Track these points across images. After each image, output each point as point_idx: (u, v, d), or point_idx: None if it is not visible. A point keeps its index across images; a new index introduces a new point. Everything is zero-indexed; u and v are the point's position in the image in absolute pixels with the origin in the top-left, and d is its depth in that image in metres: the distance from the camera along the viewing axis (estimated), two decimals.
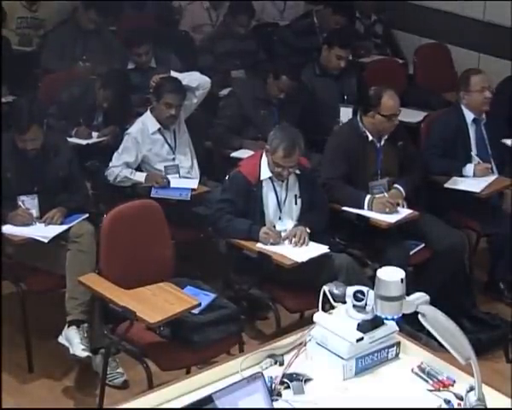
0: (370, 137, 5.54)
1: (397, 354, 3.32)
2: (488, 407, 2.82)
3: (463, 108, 5.93)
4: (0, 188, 5.01)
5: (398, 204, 5.42)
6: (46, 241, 4.89)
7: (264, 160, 5.08)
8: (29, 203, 5.11)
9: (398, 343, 3.32)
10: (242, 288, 5.10)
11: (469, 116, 5.93)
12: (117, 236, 4.53)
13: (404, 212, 5.41)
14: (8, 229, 4.97)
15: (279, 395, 3.04)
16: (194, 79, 6.09)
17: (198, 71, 6.29)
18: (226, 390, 2.71)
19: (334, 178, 5.42)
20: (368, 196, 5.39)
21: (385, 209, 5.34)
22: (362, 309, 3.21)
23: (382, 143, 5.57)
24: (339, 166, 5.47)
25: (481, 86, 5.86)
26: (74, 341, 4.71)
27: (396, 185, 5.52)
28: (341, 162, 5.48)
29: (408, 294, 2.95)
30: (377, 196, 5.40)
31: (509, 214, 5.90)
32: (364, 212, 5.34)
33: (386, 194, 5.46)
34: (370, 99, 5.53)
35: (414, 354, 3.33)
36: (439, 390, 3.11)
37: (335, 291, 3.29)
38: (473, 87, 5.87)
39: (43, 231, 4.97)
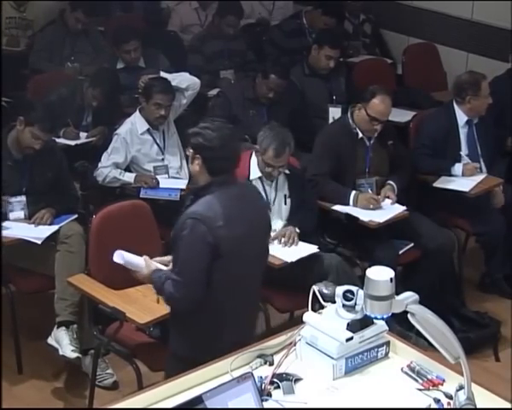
0: (360, 135, 5.55)
1: (386, 354, 3.33)
2: (477, 406, 2.83)
3: (457, 109, 5.92)
4: (0, 186, 5.01)
5: (388, 197, 5.46)
6: (39, 242, 4.88)
7: (254, 160, 5.08)
8: (17, 204, 5.09)
9: (388, 343, 3.33)
10: None
11: (462, 118, 5.92)
12: (106, 236, 4.52)
13: (396, 208, 5.43)
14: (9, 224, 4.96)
15: (269, 395, 3.04)
16: (183, 80, 6.09)
17: (187, 71, 6.29)
18: (216, 391, 2.72)
19: (320, 174, 5.43)
20: (353, 192, 5.41)
21: (369, 205, 5.36)
22: (351, 309, 3.21)
23: (372, 141, 5.58)
24: (326, 162, 5.49)
25: (488, 92, 5.87)
26: (64, 342, 4.70)
27: (389, 181, 5.55)
28: (329, 159, 5.49)
29: (397, 293, 2.96)
30: (354, 192, 5.42)
31: (498, 212, 5.92)
32: (353, 211, 5.35)
33: (370, 191, 5.49)
34: (365, 92, 5.54)
35: (403, 353, 3.33)
36: (428, 389, 3.12)
37: (325, 291, 3.29)
38: (483, 92, 5.84)
39: (35, 232, 4.95)
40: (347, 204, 5.40)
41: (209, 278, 3.64)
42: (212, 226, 3.60)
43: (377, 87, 5.55)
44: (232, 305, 3.72)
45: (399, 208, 5.43)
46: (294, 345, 3.31)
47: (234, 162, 3.80)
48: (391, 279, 2.93)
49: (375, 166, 5.60)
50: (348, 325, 3.19)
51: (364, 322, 3.21)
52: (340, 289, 3.24)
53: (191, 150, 3.78)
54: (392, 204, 5.46)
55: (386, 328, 3.30)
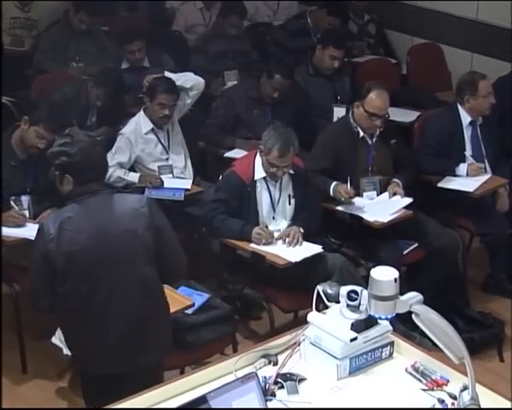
0: (361, 134, 5.55)
1: (391, 354, 3.32)
2: (482, 406, 2.83)
3: (461, 109, 5.93)
4: (0, 189, 5.01)
5: (395, 193, 5.45)
6: None
7: (258, 159, 5.08)
8: (22, 204, 5.10)
9: (392, 343, 3.32)
10: (236, 288, 5.10)
11: (466, 118, 5.93)
12: None
13: (405, 201, 5.42)
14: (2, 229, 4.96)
15: (273, 395, 3.04)
16: (188, 80, 6.10)
17: (191, 71, 6.30)
18: (220, 390, 2.72)
19: (314, 170, 5.41)
20: (333, 183, 5.39)
21: (340, 197, 5.35)
22: (355, 309, 3.21)
23: (374, 140, 5.58)
24: (323, 160, 5.49)
25: (487, 92, 5.87)
26: None
27: (394, 179, 5.54)
28: (325, 157, 5.50)
29: (401, 293, 2.95)
30: (335, 183, 5.40)
31: (502, 214, 5.91)
32: (357, 211, 5.34)
33: (376, 192, 5.48)
34: (362, 90, 5.55)
35: (408, 353, 3.33)
36: (432, 390, 3.11)
37: (329, 291, 3.29)
38: (480, 92, 5.84)
39: None
40: (329, 194, 5.39)
41: (55, 289, 3.61)
42: (45, 239, 3.58)
43: (373, 83, 5.56)
44: (100, 317, 3.63)
45: (408, 200, 5.42)
46: (298, 345, 3.30)
47: (99, 170, 3.75)
48: (395, 279, 2.92)
49: (378, 166, 5.60)
50: (352, 325, 3.19)
51: (369, 322, 3.20)
52: (344, 290, 3.24)
53: (57, 172, 3.71)
54: (401, 198, 5.44)
55: (391, 328, 3.29)
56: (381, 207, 5.39)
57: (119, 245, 3.64)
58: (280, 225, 5.12)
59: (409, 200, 5.42)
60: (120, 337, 3.67)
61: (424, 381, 3.16)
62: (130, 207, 3.71)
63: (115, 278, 3.63)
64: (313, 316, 3.31)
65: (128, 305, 3.66)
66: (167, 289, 4.40)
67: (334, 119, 6.53)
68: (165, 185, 5.69)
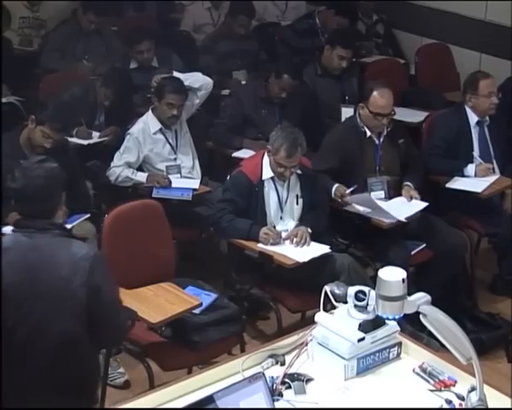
0: (368, 133, 5.54)
1: (398, 354, 3.32)
2: (489, 407, 2.82)
3: (468, 109, 5.93)
4: (0, 189, 5.01)
5: (412, 197, 5.45)
6: None
7: (266, 160, 5.08)
8: None
9: (400, 343, 3.32)
10: (244, 288, 5.11)
11: (473, 118, 5.93)
12: (118, 236, 4.52)
13: (419, 204, 5.42)
14: (8, 230, 4.95)
15: (280, 395, 3.04)
16: (196, 80, 6.10)
17: (199, 71, 6.30)
18: (227, 390, 2.72)
19: (320, 171, 5.41)
20: (335, 186, 5.39)
21: (337, 199, 5.36)
22: (363, 309, 3.21)
23: (382, 139, 5.57)
24: (328, 160, 5.48)
25: (489, 91, 5.86)
26: None
27: (406, 183, 5.54)
28: (331, 157, 5.49)
29: (409, 294, 2.95)
30: (337, 185, 5.40)
31: (510, 214, 5.90)
32: (365, 212, 5.34)
33: (384, 192, 5.48)
34: (365, 90, 5.55)
35: (415, 354, 3.33)
36: (440, 390, 3.12)
37: (337, 291, 3.29)
38: (481, 91, 5.85)
39: None
40: (330, 196, 5.39)
41: None
42: None
43: (375, 82, 5.57)
44: (16, 359, 3.36)
45: (423, 204, 5.41)
46: (306, 345, 3.30)
47: (48, 206, 3.45)
48: (403, 280, 2.92)
49: (386, 166, 5.59)
50: (360, 325, 3.19)
51: (376, 322, 3.20)
52: (351, 290, 3.24)
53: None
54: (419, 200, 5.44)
55: (398, 329, 3.30)
56: (398, 208, 5.37)
57: (49, 291, 3.36)
58: (288, 225, 5.12)
59: (424, 204, 5.41)
60: (29, 388, 3.39)
61: (432, 381, 3.16)
62: (73, 257, 3.39)
63: (36, 323, 3.35)
64: (321, 316, 3.31)
65: (42, 356, 3.37)
66: (174, 289, 4.43)
67: (342, 119, 6.51)
68: (173, 185, 5.69)
